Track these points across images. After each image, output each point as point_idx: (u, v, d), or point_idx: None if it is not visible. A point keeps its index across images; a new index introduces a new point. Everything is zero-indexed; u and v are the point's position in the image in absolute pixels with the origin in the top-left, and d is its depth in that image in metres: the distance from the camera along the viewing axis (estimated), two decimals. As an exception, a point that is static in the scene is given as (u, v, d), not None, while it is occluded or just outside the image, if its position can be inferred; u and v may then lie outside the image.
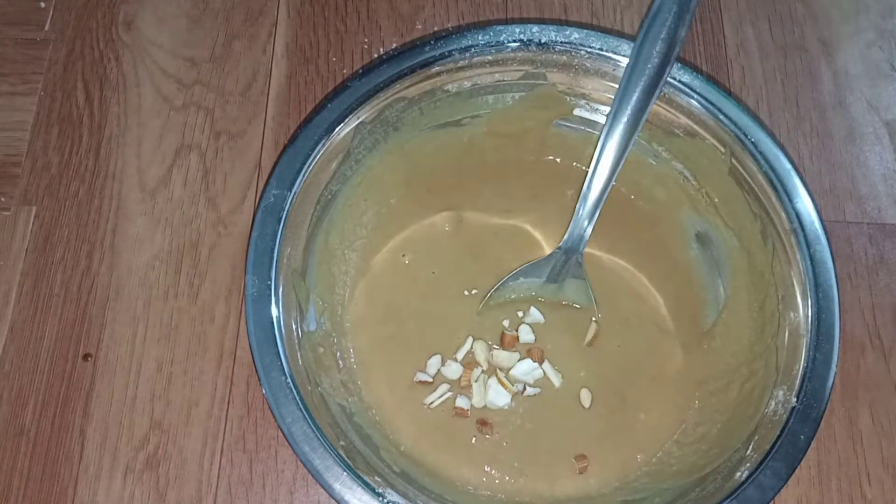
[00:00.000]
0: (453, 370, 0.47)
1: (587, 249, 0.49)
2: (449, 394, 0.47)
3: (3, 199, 0.52)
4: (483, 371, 0.48)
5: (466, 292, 0.49)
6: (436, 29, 0.58)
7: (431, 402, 0.47)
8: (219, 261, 0.51)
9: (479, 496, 0.45)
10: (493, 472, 0.45)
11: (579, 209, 0.47)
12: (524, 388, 0.47)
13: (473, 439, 0.46)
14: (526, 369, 0.47)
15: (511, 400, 0.47)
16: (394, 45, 0.57)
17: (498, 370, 0.47)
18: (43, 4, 0.57)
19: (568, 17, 0.59)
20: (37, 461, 0.46)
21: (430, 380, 0.47)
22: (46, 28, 0.57)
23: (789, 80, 0.58)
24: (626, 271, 0.51)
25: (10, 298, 0.50)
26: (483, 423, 0.46)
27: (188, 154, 0.54)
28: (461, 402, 0.47)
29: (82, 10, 0.57)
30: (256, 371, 0.39)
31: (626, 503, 0.44)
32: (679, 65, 0.46)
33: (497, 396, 0.47)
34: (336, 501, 0.38)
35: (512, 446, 0.46)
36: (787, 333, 0.43)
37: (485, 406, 0.47)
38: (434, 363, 0.47)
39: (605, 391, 0.48)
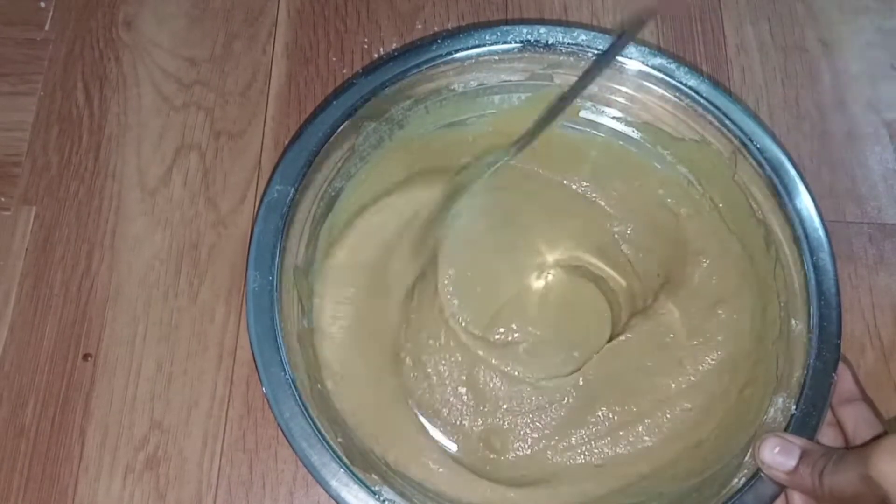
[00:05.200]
0: None
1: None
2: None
3: (3, 199, 0.52)
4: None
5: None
6: (436, 29, 0.58)
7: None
8: (219, 261, 0.51)
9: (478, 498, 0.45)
10: (491, 480, 0.45)
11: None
12: None
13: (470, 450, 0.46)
14: None
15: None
16: (394, 45, 0.57)
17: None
18: (43, 4, 0.57)
19: (568, 18, 0.59)
20: (37, 461, 0.46)
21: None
22: (46, 28, 0.57)
23: (789, 80, 0.58)
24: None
25: (10, 298, 0.50)
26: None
27: (188, 154, 0.54)
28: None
29: (82, 10, 0.57)
30: (256, 366, 0.39)
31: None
32: (685, 68, 0.46)
33: None
34: (333, 499, 0.38)
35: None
36: (788, 340, 0.43)
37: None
38: None
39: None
